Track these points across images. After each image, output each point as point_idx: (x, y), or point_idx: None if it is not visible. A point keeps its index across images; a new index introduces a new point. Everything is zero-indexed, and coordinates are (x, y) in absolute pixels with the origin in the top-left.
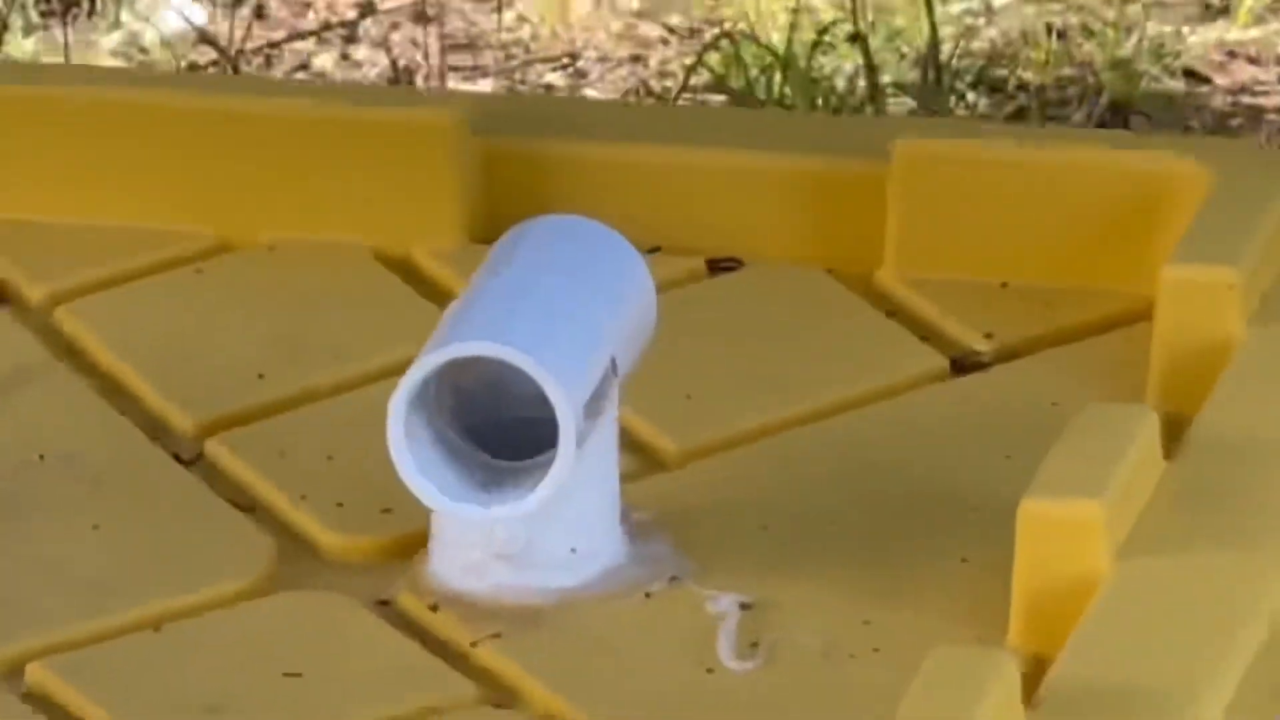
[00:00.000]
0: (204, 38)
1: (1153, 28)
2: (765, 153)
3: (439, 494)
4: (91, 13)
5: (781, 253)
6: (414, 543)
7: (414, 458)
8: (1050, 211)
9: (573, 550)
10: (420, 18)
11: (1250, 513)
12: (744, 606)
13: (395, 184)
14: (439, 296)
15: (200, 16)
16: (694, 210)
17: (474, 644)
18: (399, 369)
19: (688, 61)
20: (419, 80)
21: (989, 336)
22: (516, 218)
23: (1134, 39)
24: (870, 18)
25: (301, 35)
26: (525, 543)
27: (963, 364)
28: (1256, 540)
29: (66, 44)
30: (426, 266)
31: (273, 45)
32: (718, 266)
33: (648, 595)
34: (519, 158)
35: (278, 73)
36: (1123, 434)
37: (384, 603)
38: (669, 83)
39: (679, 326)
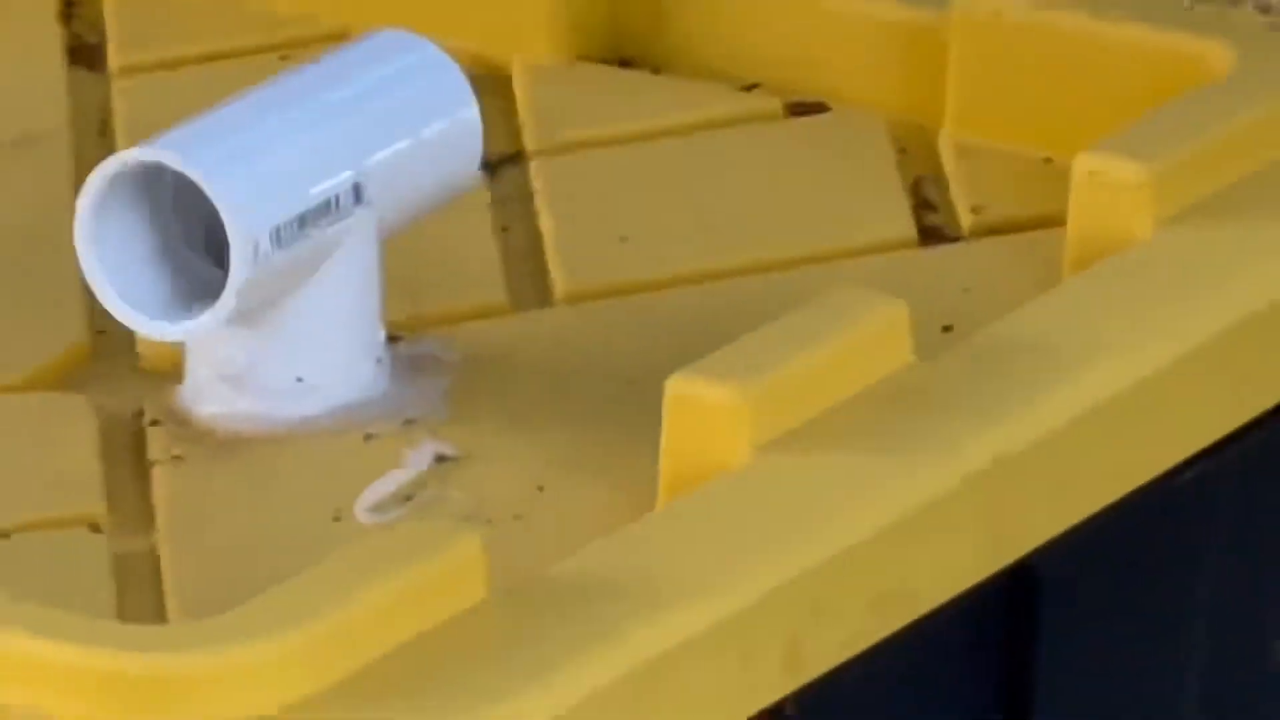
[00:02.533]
0: None
1: None
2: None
3: (118, 302)
4: None
5: (878, 101)
6: None
7: (102, 262)
8: (1102, 88)
9: (298, 380)
10: None
11: (952, 418)
12: (440, 459)
13: None
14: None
15: None
16: (799, 50)
17: (152, 464)
18: None
19: None
20: None
21: (976, 211)
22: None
23: None
24: None
25: None
26: (245, 367)
27: (930, 235)
28: (923, 445)
29: None
30: (519, 81)
31: None
32: (800, 109)
33: (368, 437)
34: None
35: None
36: (836, 321)
37: (138, 414)
38: None
39: (687, 169)
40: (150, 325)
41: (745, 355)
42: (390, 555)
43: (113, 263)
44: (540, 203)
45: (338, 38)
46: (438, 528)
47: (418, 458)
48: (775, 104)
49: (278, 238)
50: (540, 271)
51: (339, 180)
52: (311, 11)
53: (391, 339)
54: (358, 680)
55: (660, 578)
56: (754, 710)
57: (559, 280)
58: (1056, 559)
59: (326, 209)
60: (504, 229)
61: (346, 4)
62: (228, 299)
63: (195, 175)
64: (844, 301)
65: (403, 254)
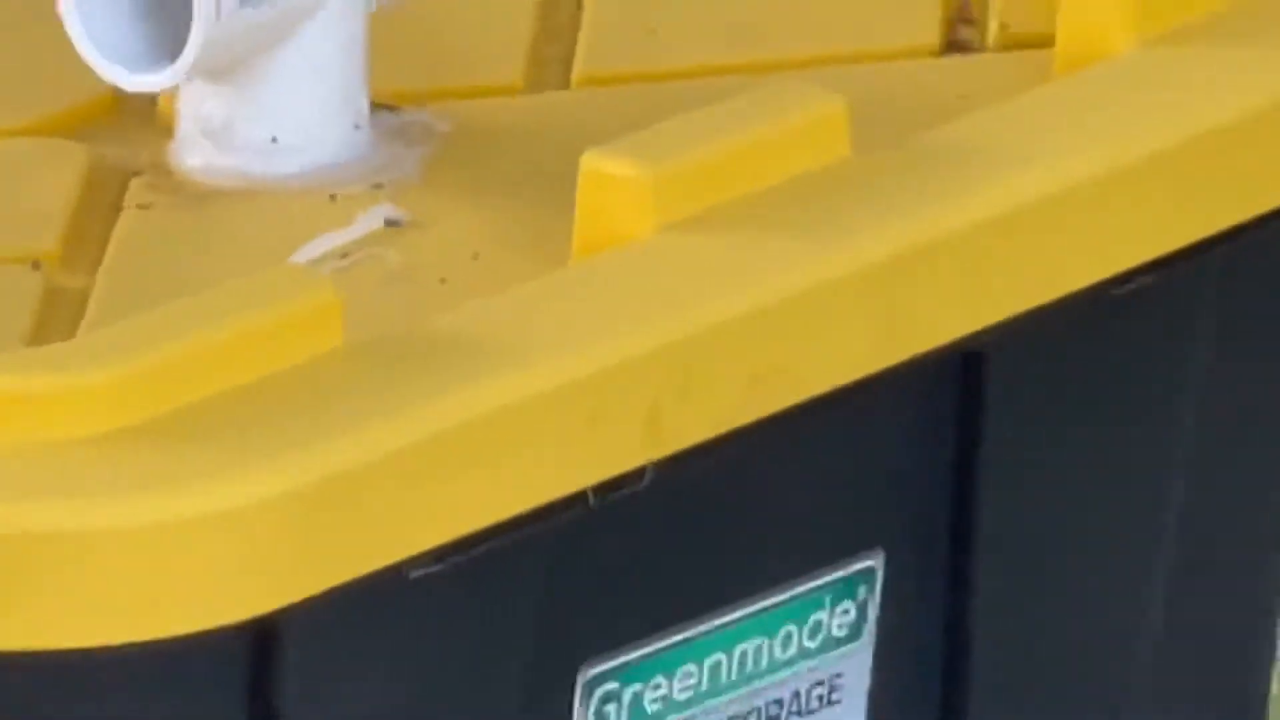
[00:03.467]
0: None
1: None
2: None
3: (92, 50)
4: None
5: None
6: None
7: (80, 11)
8: None
9: (273, 139)
10: None
11: (862, 209)
12: (390, 222)
13: None
14: None
15: None
16: None
17: (120, 209)
18: None
19: None
20: None
21: (1004, 26)
22: None
23: None
24: None
25: None
26: (224, 123)
27: (954, 46)
28: (823, 232)
29: None
30: None
31: None
32: None
33: (332, 197)
34: None
35: None
36: (764, 111)
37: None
38: None
39: None
40: (122, 75)
41: (664, 136)
42: (246, 297)
43: (93, 12)
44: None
45: None
46: (298, 273)
47: (367, 219)
48: None
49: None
50: (567, 55)
51: None
52: None
53: (390, 107)
54: (186, 413)
55: (520, 338)
56: (608, 474)
57: (578, 64)
58: (1007, 349)
59: None
60: (549, 11)
61: None
62: (189, 53)
63: None
64: (778, 93)
65: (431, 25)
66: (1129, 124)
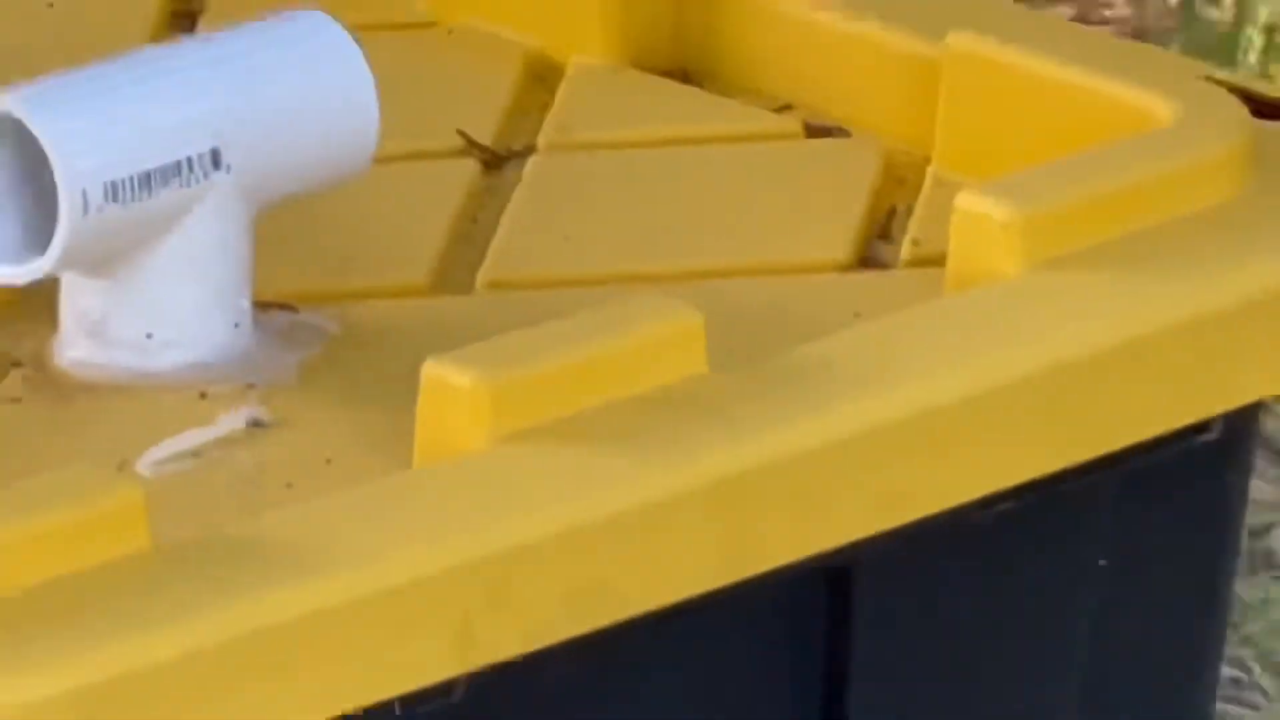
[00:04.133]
0: None
1: None
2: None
3: None
4: None
5: (896, 131)
6: None
7: None
8: (1063, 128)
9: (148, 335)
10: None
11: (709, 428)
12: (254, 423)
13: None
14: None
15: None
16: (829, 76)
17: None
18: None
19: None
20: None
21: (916, 243)
22: (661, 46)
23: None
24: None
25: None
26: (101, 318)
27: (867, 262)
28: (663, 450)
29: None
30: (566, 81)
31: None
32: (818, 132)
33: (202, 395)
34: None
35: None
36: (618, 325)
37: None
38: None
39: (675, 178)
40: None
41: (509, 346)
42: (50, 495)
43: None
44: (517, 196)
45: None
46: (104, 476)
47: (230, 419)
48: (795, 125)
49: (113, 191)
50: (477, 261)
51: (193, 143)
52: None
53: (285, 306)
54: None
55: (330, 544)
56: (416, 685)
57: (485, 268)
58: (874, 567)
59: (177, 170)
60: (473, 218)
61: None
62: (55, 247)
63: (27, 118)
64: (636, 307)
65: (348, 224)
66: (996, 348)
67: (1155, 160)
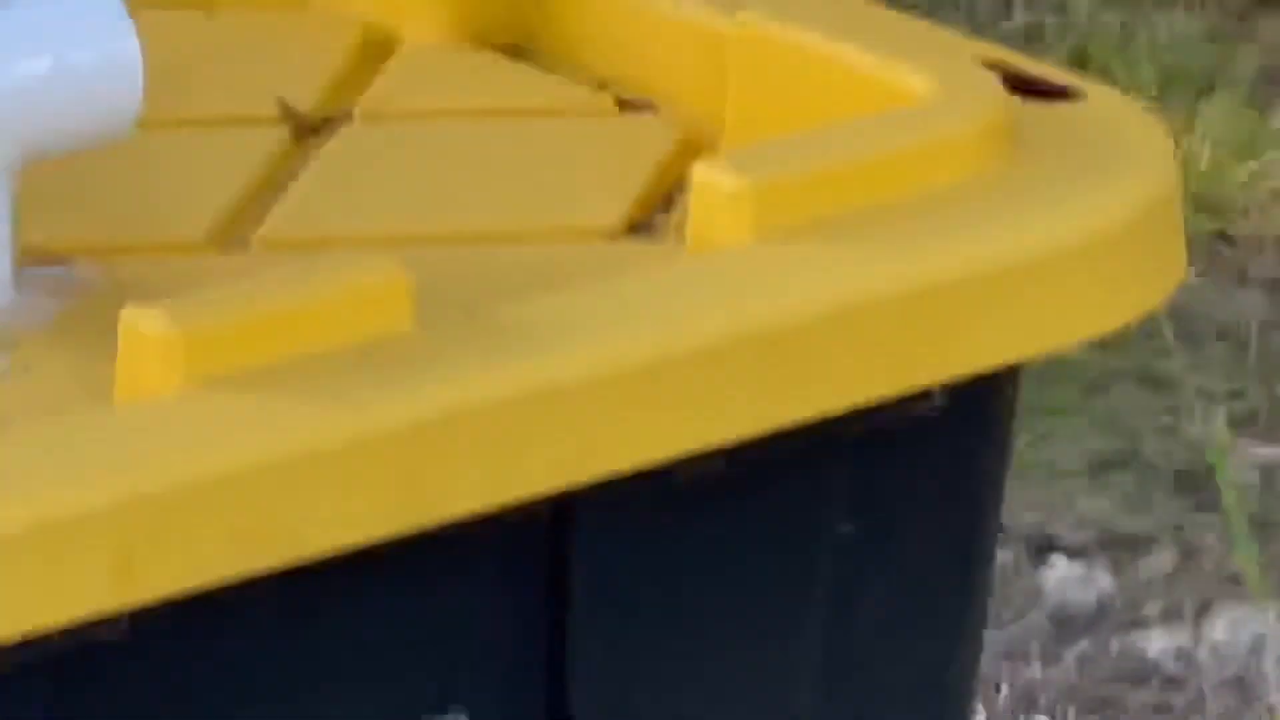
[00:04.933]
0: None
1: None
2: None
3: None
4: None
5: (702, 107)
6: None
7: None
8: (828, 106)
9: None
10: None
11: (391, 378)
12: None
13: None
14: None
15: None
16: (640, 53)
17: None
18: None
19: None
20: None
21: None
22: (495, 23)
23: None
24: None
25: None
26: None
27: (637, 229)
28: (337, 399)
29: None
30: (397, 55)
31: None
32: (629, 107)
33: None
34: None
35: None
36: (319, 280)
37: None
38: None
39: (472, 148)
40: None
41: (211, 298)
42: None
43: None
44: (316, 161)
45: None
46: None
47: None
48: (608, 101)
49: None
50: (262, 222)
51: None
52: None
53: (58, 259)
54: None
55: None
56: (76, 615)
57: (263, 229)
58: (594, 515)
59: None
60: (273, 183)
61: None
62: None
63: None
64: (345, 264)
65: (140, 186)
66: (699, 311)
67: (896, 135)
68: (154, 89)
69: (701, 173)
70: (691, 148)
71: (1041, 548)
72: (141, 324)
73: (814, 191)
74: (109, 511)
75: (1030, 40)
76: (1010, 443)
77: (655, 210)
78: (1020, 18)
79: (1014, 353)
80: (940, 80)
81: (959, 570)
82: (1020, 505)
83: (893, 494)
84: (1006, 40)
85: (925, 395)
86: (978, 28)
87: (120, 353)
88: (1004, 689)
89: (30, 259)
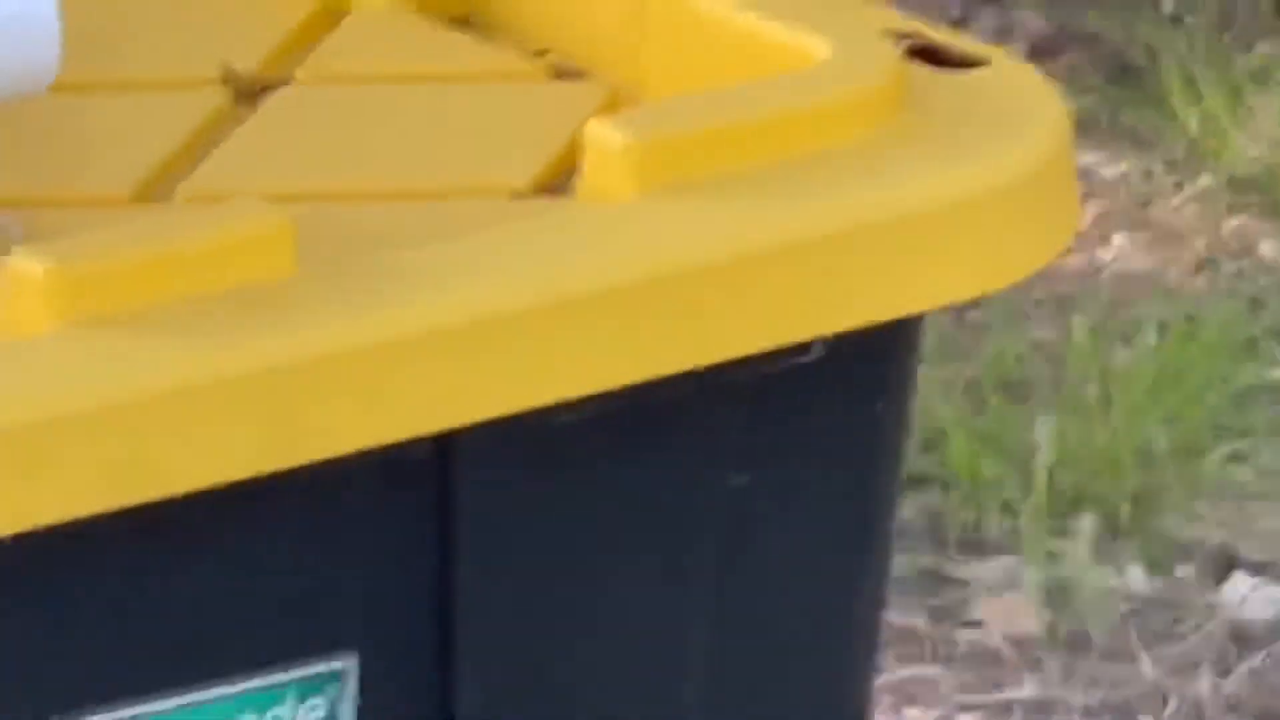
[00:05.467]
0: None
1: None
2: None
3: None
4: None
5: (621, 72)
6: None
7: None
8: (734, 70)
9: None
10: None
11: (259, 319)
12: None
13: None
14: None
15: None
16: (574, 20)
17: None
18: None
19: None
20: None
21: None
22: None
23: None
24: None
25: None
26: None
27: (552, 189)
28: (207, 339)
29: None
30: (346, 22)
31: None
32: (562, 74)
33: None
34: None
35: None
36: (204, 224)
37: None
38: None
39: (408, 112)
40: None
41: (99, 239)
42: None
43: None
44: (251, 121)
45: None
46: None
47: None
48: (542, 68)
49: None
50: (169, 182)
51: None
52: None
53: None
54: None
55: None
56: None
57: (186, 184)
58: (477, 460)
59: None
60: (207, 142)
61: None
62: None
63: None
64: (229, 209)
65: (72, 141)
66: (577, 260)
67: (785, 96)
68: (102, 50)
69: (592, 130)
70: (614, 114)
71: (1223, 565)
72: (17, 264)
73: (699, 149)
74: None
75: None
76: (907, 396)
77: (569, 173)
78: None
79: (893, 308)
80: (837, 46)
81: (855, 523)
82: (1208, 522)
83: (784, 446)
84: None
85: (804, 347)
86: None
87: (12, 292)
88: (1172, 701)
89: None
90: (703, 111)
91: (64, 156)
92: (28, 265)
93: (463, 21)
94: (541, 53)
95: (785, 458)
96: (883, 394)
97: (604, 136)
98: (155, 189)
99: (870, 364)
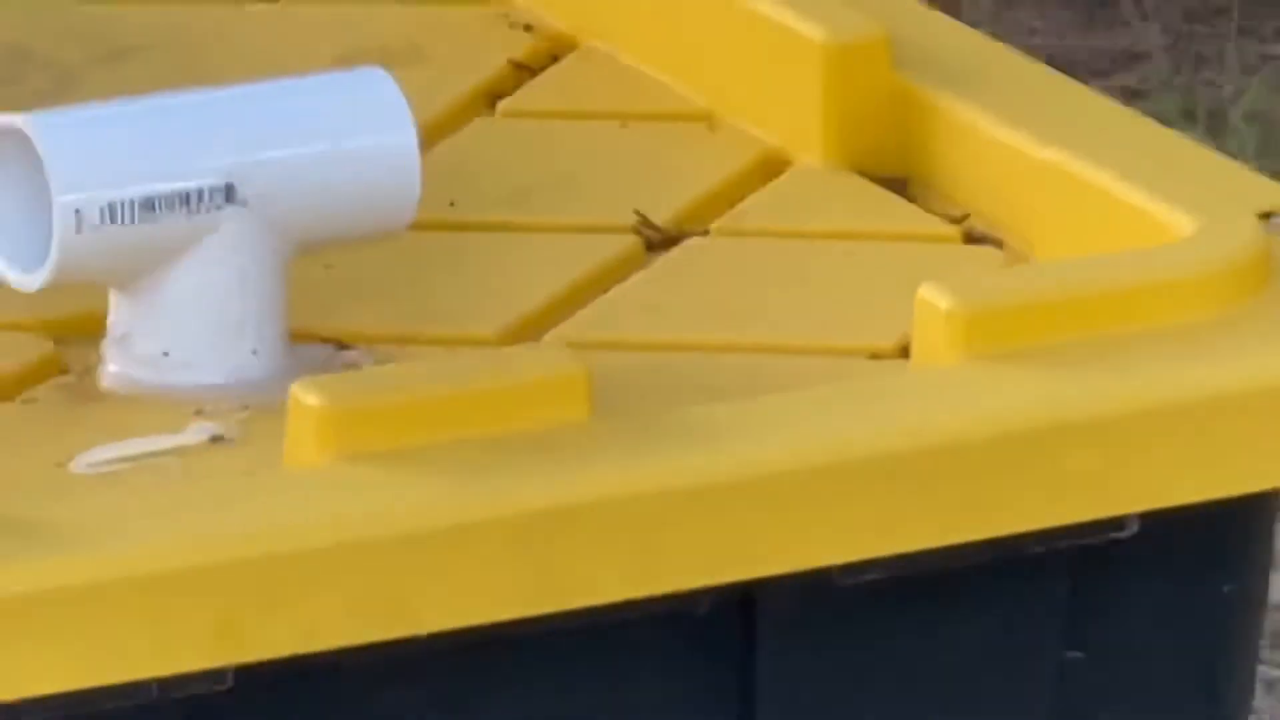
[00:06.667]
0: None
1: None
2: None
3: None
4: None
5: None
6: None
7: None
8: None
9: (165, 354)
10: None
11: (540, 471)
12: (215, 439)
13: None
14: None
15: None
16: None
17: (18, 399)
18: None
19: None
20: None
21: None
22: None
23: None
24: None
25: None
26: (124, 333)
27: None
28: (478, 487)
29: None
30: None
31: None
32: (976, 238)
33: (198, 412)
34: None
35: None
36: (496, 368)
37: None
38: None
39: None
40: (9, 271)
41: (385, 375)
42: None
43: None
44: (650, 268)
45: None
46: None
47: (193, 432)
48: (955, 232)
49: (110, 212)
50: (543, 325)
51: (204, 175)
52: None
53: (337, 343)
54: None
55: (112, 526)
56: (176, 669)
57: (561, 328)
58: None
59: (185, 199)
60: (600, 286)
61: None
62: (51, 258)
63: (34, 136)
64: (524, 354)
65: (465, 282)
66: (881, 424)
67: (1130, 270)
68: (530, 196)
69: (922, 294)
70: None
71: None
72: (306, 397)
73: (1026, 317)
74: (215, 571)
75: None
76: (1258, 577)
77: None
78: None
79: (1214, 489)
80: (1204, 222)
81: (1202, 704)
82: None
83: (1117, 624)
84: None
85: (1119, 523)
86: None
87: (289, 423)
88: None
89: (305, 339)
90: (1037, 280)
91: (448, 296)
92: (304, 398)
93: (896, 183)
94: (962, 218)
95: (1118, 636)
96: (1232, 577)
97: (931, 300)
98: (526, 332)
99: (1212, 545)
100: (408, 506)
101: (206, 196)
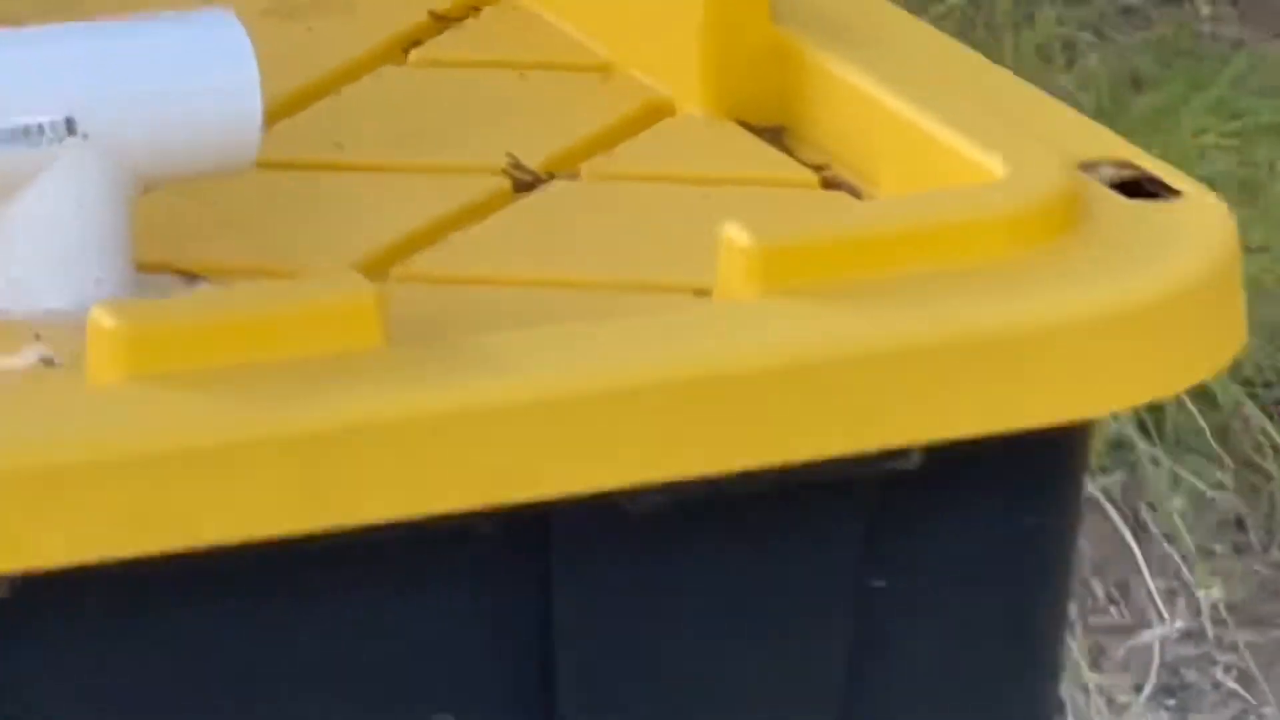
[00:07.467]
0: None
1: None
2: None
3: None
4: None
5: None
6: None
7: None
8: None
9: (14, 279)
10: None
11: (320, 391)
12: (45, 361)
13: None
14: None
15: None
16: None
17: None
18: None
19: None
20: None
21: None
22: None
23: None
24: None
25: None
26: None
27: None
28: (258, 406)
29: None
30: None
31: None
32: (832, 184)
33: (37, 336)
34: None
35: None
36: (292, 293)
37: None
38: None
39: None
40: None
41: (187, 300)
42: None
43: None
44: (507, 210)
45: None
46: None
47: (26, 354)
48: (813, 178)
49: None
50: (392, 260)
51: (43, 108)
52: None
53: (187, 274)
54: None
55: None
56: None
57: (407, 265)
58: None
59: (25, 132)
60: (459, 225)
61: None
62: None
63: None
64: (321, 282)
65: (318, 216)
66: (668, 352)
67: (935, 208)
68: (415, 140)
69: (725, 231)
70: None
71: None
72: (103, 319)
73: (822, 255)
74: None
75: None
76: (1068, 517)
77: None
78: None
79: (1009, 422)
80: (1013, 167)
81: (1008, 651)
82: None
83: (920, 556)
84: None
85: (903, 453)
86: None
87: (88, 344)
88: None
89: (168, 273)
90: (843, 219)
91: (303, 231)
92: (101, 320)
93: (775, 132)
94: (823, 166)
95: (920, 566)
96: (1035, 511)
97: (733, 238)
98: (375, 269)
99: (1010, 480)
100: (190, 423)
101: (47, 129)
